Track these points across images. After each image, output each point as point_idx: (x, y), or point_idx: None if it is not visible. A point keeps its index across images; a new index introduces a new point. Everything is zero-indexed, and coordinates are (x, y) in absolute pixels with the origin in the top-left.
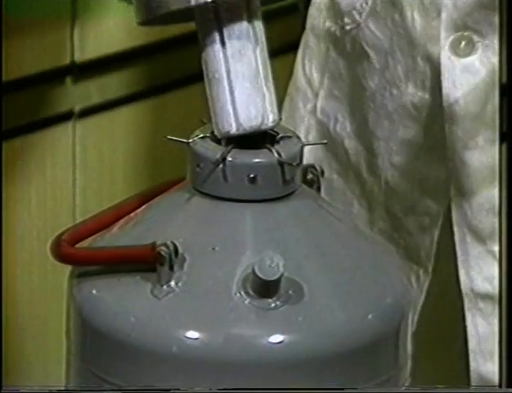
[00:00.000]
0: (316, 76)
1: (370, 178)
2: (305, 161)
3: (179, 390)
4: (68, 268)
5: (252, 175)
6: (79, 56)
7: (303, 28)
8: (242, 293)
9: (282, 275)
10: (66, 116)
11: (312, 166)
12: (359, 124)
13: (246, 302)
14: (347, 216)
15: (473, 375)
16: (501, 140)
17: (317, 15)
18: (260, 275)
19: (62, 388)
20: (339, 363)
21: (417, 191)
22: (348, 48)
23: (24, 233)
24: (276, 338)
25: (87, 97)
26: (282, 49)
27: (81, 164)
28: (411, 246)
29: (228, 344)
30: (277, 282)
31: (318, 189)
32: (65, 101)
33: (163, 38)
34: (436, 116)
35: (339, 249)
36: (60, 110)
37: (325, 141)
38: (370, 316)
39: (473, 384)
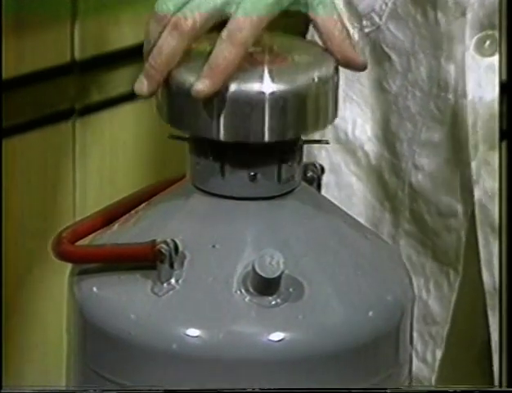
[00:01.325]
0: None
1: (392, 181)
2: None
3: (180, 390)
4: (68, 267)
5: (252, 173)
6: (80, 54)
7: (307, 30)
8: (242, 291)
9: (282, 273)
10: (67, 114)
11: (313, 164)
12: (380, 126)
13: (246, 300)
14: (347, 214)
15: (496, 373)
16: (501, 138)
17: None
18: (260, 273)
19: (62, 388)
20: (340, 360)
21: (442, 193)
22: (366, 51)
23: (25, 231)
24: (277, 336)
25: (87, 95)
26: None
27: (81, 162)
28: (439, 247)
29: (228, 341)
30: (278, 279)
31: (318, 187)
32: (66, 98)
33: None
34: (460, 117)
35: (339, 246)
36: (60, 107)
37: (326, 139)
38: (370, 313)
39: (496, 382)
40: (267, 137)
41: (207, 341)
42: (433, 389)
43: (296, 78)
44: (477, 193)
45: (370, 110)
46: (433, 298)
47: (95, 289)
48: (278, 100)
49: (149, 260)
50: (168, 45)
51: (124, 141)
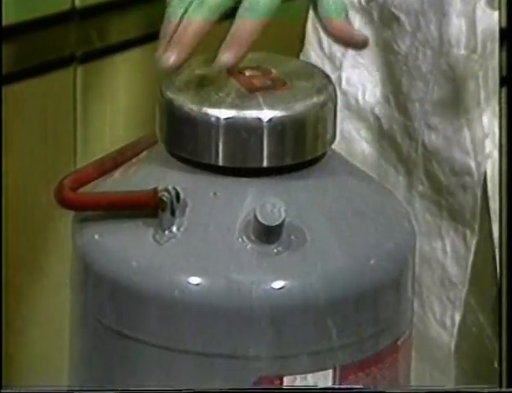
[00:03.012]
0: (337, 48)
1: (405, 143)
2: None
3: (181, 390)
4: (70, 218)
5: None
6: (80, 1)
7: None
8: (244, 238)
9: (284, 221)
10: (67, 61)
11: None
12: (391, 88)
13: (248, 247)
14: (348, 162)
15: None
16: (501, 84)
17: None
18: (262, 221)
19: (62, 388)
20: (341, 308)
21: (456, 151)
22: (374, 16)
23: (26, 179)
24: (278, 284)
25: (88, 42)
26: None
27: (82, 109)
28: (455, 207)
29: (230, 289)
30: (279, 227)
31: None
32: (66, 45)
33: None
34: (472, 72)
35: (340, 194)
36: (61, 54)
37: None
38: (372, 261)
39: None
40: (265, 163)
41: (208, 288)
42: (433, 389)
43: (294, 104)
44: (488, 147)
45: (380, 72)
46: (449, 260)
47: (97, 237)
48: (276, 126)
49: (150, 208)
50: (196, 18)
51: (125, 88)
